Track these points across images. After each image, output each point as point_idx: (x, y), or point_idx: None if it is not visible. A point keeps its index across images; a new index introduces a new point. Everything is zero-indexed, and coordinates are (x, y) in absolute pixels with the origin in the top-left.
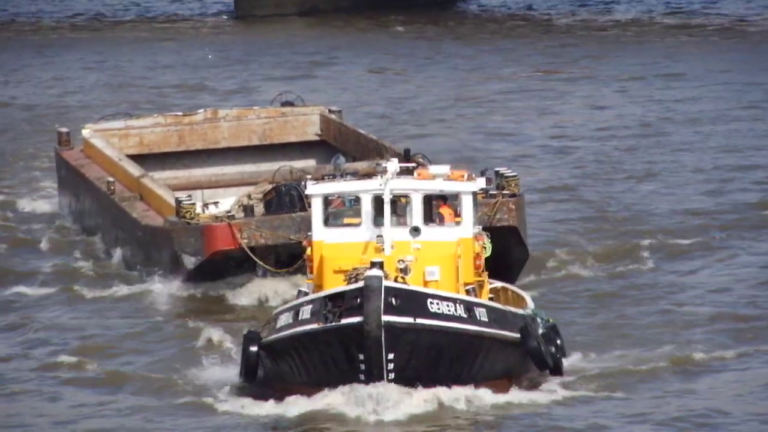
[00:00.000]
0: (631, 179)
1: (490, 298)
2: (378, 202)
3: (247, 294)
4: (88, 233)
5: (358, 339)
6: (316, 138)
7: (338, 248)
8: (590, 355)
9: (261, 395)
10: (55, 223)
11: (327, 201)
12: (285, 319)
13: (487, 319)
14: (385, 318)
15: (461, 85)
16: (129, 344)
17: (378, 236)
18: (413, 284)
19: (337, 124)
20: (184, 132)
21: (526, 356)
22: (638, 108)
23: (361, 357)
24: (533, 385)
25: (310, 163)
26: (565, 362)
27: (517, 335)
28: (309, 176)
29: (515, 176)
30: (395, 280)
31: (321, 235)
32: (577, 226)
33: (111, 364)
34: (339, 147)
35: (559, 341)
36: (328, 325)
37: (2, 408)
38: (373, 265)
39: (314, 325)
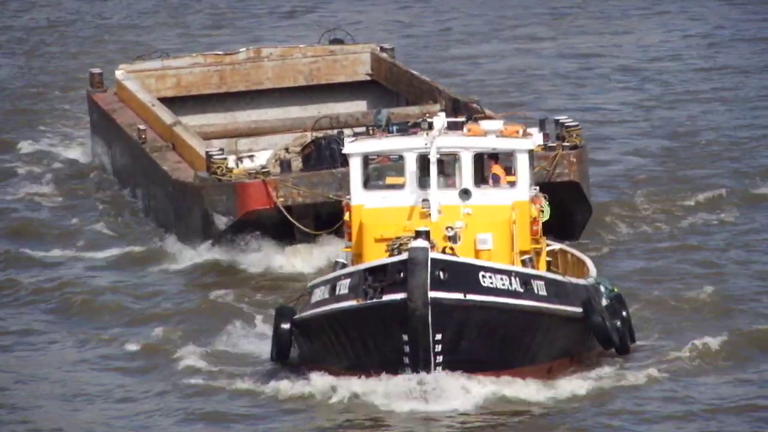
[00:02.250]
0: (704, 126)
1: (548, 263)
2: (423, 161)
3: (282, 259)
4: (119, 184)
5: (402, 318)
6: (367, 78)
7: (379, 214)
8: (660, 329)
9: (294, 378)
10: (86, 173)
11: (367, 160)
12: (320, 293)
13: (545, 293)
14: (431, 294)
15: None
16: (151, 315)
17: (424, 200)
18: (463, 254)
19: (389, 64)
20: (225, 72)
21: (589, 333)
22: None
23: (406, 338)
24: (597, 366)
25: (360, 105)
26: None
27: (579, 310)
28: (348, 131)
29: (577, 126)
30: (443, 251)
31: (360, 198)
32: (645, 179)
33: (130, 337)
34: (391, 88)
35: (624, 314)
36: (369, 302)
37: (16, 375)
38: (418, 234)
39: (353, 302)
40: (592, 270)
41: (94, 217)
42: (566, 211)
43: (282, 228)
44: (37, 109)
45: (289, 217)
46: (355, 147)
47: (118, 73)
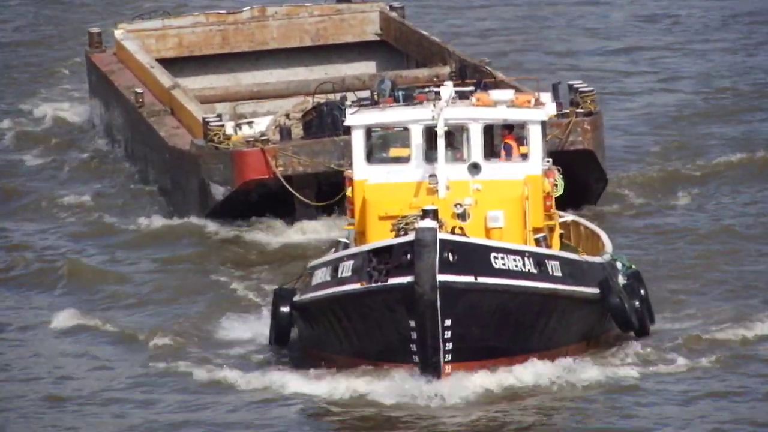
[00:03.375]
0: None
1: (560, 236)
2: (430, 133)
3: (282, 231)
4: (116, 149)
5: (409, 302)
6: (376, 38)
7: (384, 190)
8: (681, 308)
9: (293, 365)
10: (83, 136)
11: (370, 132)
12: (322, 275)
13: (561, 274)
14: (440, 278)
15: None
16: (142, 294)
17: (431, 176)
18: (473, 232)
19: (398, 24)
20: (228, 32)
21: (607, 315)
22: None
23: (413, 324)
24: (614, 350)
25: (368, 66)
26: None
27: (597, 291)
28: (352, 96)
29: (591, 91)
30: (452, 231)
31: (363, 173)
32: (664, 146)
33: (120, 319)
34: (400, 49)
35: (643, 292)
36: (373, 285)
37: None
38: (425, 213)
39: (356, 285)
40: (608, 245)
41: (87, 183)
42: (580, 180)
43: (282, 199)
44: (35, 68)
45: (289, 187)
46: (357, 119)
47: (117, 33)
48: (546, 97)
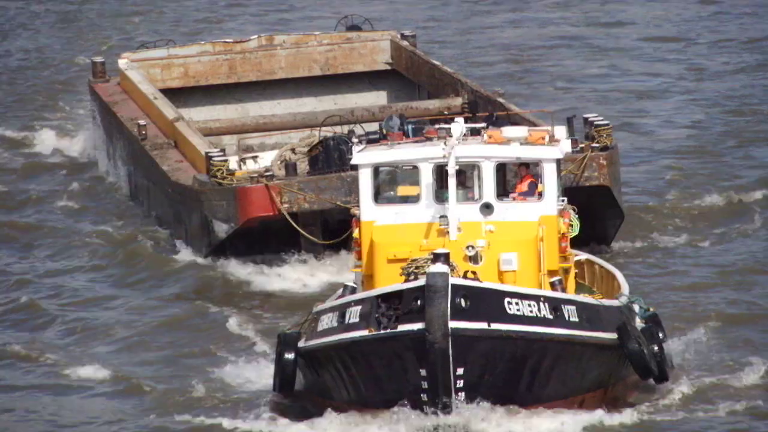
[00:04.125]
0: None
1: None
2: (440, 172)
3: (287, 271)
4: (120, 182)
5: (420, 351)
6: (387, 67)
7: (392, 231)
8: (699, 351)
9: (298, 413)
10: (86, 169)
11: (377, 171)
12: (328, 321)
13: (577, 319)
14: (452, 324)
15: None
16: (142, 335)
17: (441, 216)
18: (485, 275)
19: (409, 53)
20: (234, 61)
21: (625, 361)
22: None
23: (424, 373)
24: (633, 398)
25: (379, 96)
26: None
27: (614, 336)
28: (360, 129)
29: (607, 125)
30: (465, 276)
31: (371, 214)
32: (679, 180)
33: (120, 362)
34: (412, 79)
35: (662, 336)
36: (382, 332)
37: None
38: (436, 257)
39: (364, 332)
40: (624, 286)
41: (88, 217)
42: (596, 217)
43: (287, 237)
44: (39, 97)
45: (294, 224)
46: (364, 157)
47: (121, 62)
48: (561, 131)
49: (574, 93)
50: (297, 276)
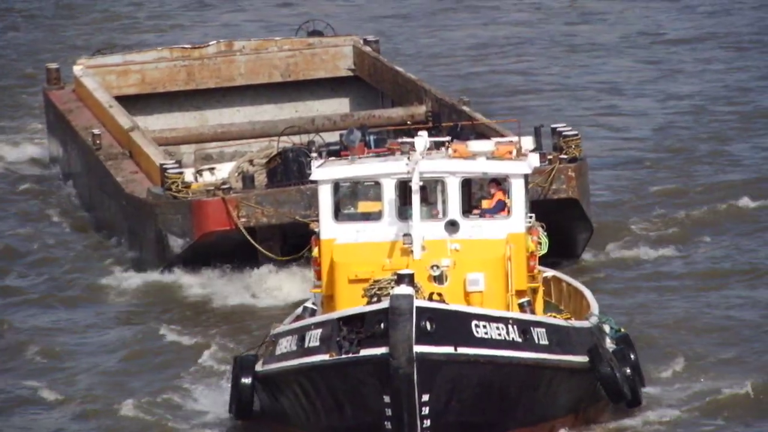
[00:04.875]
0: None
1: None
2: (403, 188)
3: (245, 289)
4: (74, 193)
5: (384, 376)
6: (349, 74)
7: (353, 250)
8: (673, 371)
9: None
10: (39, 178)
11: (337, 187)
12: (287, 344)
13: (547, 342)
14: (417, 349)
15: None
16: (91, 357)
17: (405, 235)
18: (451, 296)
19: (372, 59)
20: (193, 68)
21: (597, 384)
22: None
23: (387, 399)
24: (606, 424)
25: (341, 103)
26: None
27: (586, 359)
28: (320, 139)
29: (576, 136)
30: (430, 298)
31: (331, 232)
32: (647, 192)
33: (66, 385)
34: (375, 85)
35: (633, 357)
36: (343, 357)
37: None
38: (400, 278)
39: (325, 356)
40: (593, 305)
41: (39, 230)
42: (564, 230)
43: (244, 252)
44: None
45: (251, 240)
46: (324, 173)
47: (76, 69)
48: (528, 141)
49: (542, 95)
50: (255, 293)
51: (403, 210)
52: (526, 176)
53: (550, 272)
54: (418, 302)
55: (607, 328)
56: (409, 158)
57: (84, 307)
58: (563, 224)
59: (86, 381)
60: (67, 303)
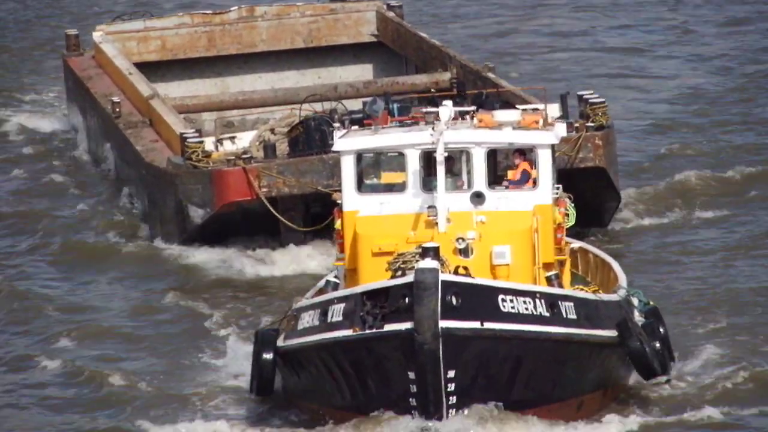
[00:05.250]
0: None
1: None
2: (428, 158)
3: (266, 260)
4: (94, 161)
5: (408, 352)
6: (372, 39)
7: (377, 223)
8: (704, 345)
9: (277, 419)
10: (60, 147)
11: (360, 158)
12: (309, 319)
13: (575, 316)
14: (443, 324)
15: None
16: (111, 330)
17: (429, 207)
18: (477, 270)
19: (396, 24)
20: (214, 34)
21: (626, 359)
22: None
23: (412, 376)
24: (635, 399)
25: (365, 69)
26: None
27: (615, 334)
28: (342, 107)
29: (603, 103)
30: (456, 271)
31: (354, 204)
32: (676, 158)
33: (86, 357)
34: (398, 51)
35: (662, 331)
36: (367, 332)
37: None
38: (425, 252)
39: (348, 332)
40: (621, 277)
41: (59, 199)
42: (591, 200)
43: (266, 222)
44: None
45: (273, 210)
46: (347, 143)
47: (96, 35)
48: (554, 109)
49: (568, 59)
50: (276, 265)
51: (428, 181)
52: (552, 146)
53: (576, 243)
54: (443, 276)
55: (635, 301)
56: (433, 128)
57: (102, 277)
58: (590, 194)
59: (101, 352)
60: (81, 272)
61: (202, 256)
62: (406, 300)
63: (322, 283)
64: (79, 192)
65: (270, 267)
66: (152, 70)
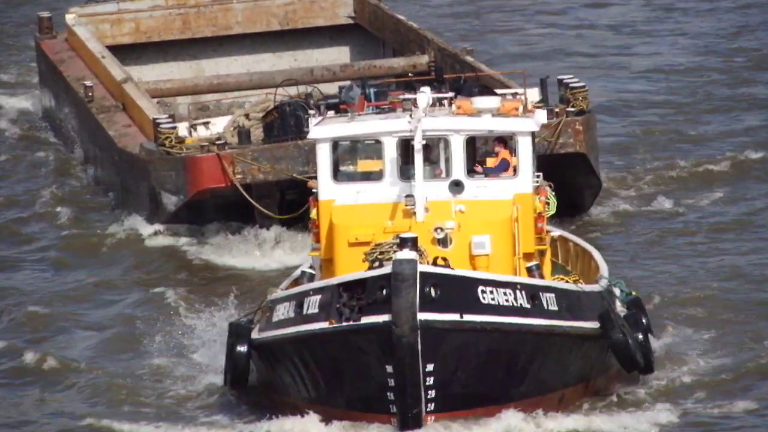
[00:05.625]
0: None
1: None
2: (405, 146)
3: (241, 249)
4: (66, 146)
5: (386, 345)
6: (350, 21)
7: (353, 212)
8: (687, 337)
9: (251, 413)
10: (31, 131)
11: (336, 146)
12: (284, 310)
13: (557, 308)
14: (421, 316)
15: None
16: (79, 317)
17: (407, 196)
18: (455, 260)
19: (373, 6)
20: (189, 16)
21: (608, 351)
22: None
23: (390, 370)
24: (618, 393)
25: (342, 52)
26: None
27: (597, 325)
28: (315, 98)
29: (583, 87)
30: (434, 262)
31: (330, 193)
32: (657, 141)
33: (55, 349)
34: (376, 34)
35: (645, 321)
36: (344, 324)
37: None
38: (403, 242)
39: (324, 324)
40: (602, 266)
41: (29, 186)
42: (572, 186)
43: (240, 210)
44: None
45: (248, 197)
46: (322, 131)
47: (69, 18)
48: (534, 93)
49: (547, 39)
50: (251, 254)
51: (405, 169)
52: (533, 134)
53: (556, 232)
54: (421, 267)
55: (617, 291)
56: (411, 116)
57: (73, 267)
58: (570, 180)
59: (70, 344)
60: (56, 262)
61: (175, 244)
62: (384, 292)
63: (297, 273)
64: (50, 177)
65: (244, 255)
66: (126, 53)
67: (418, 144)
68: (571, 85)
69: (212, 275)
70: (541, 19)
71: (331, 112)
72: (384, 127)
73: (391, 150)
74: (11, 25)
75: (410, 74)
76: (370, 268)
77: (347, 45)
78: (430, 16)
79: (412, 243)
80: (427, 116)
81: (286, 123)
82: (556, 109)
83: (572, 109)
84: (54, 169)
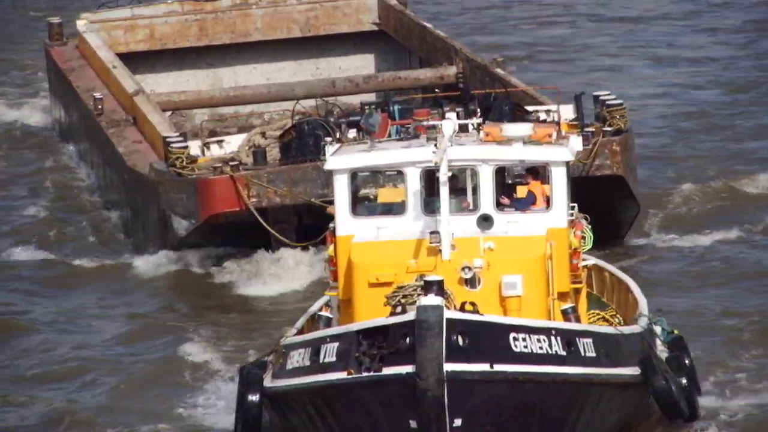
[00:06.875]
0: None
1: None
2: (430, 177)
3: (256, 277)
4: (75, 160)
5: (410, 398)
6: (374, 28)
7: (374, 250)
8: (734, 380)
9: None
10: (41, 142)
11: (355, 176)
12: (299, 357)
13: (595, 354)
14: (448, 367)
15: None
16: (82, 357)
17: (432, 232)
18: (485, 302)
19: (398, 13)
20: (206, 22)
21: (649, 397)
22: None
23: (414, 425)
24: None
25: (366, 60)
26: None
27: (637, 371)
28: (336, 118)
29: (621, 105)
30: (462, 308)
31: (348, 228)
32: (700, 162)
33: (55, 391)
34: (401, 42)
35: (689, 363)
36: (364, 375)
37: None
38: (428, 286)
39: (342, 374)
40: (642, 302)
41: (36, 203)
42: (608, 211)
43: (255, 235)
44: None
45: (263, 222)
46: (339, 162)
47: (80, 24)
48: (568, 110)
49: (581, 52)
50: (266, 282)
51: (430, 201)
52: (567, 163)
53: (590, 260)
54: (448, 314)
55: (658, 330)
56: (436, 145)
57: (76, 293)
58: (607, 204)
59: (70, 385)
60: (55, 291)
61: (186, 272)
62: (407, 340)
63: (314, 307)
64: (56, 194)
65: (259, 283)
66: (140, 60)
67: (443, 176)
68: (608, 102)
69: (225, 304)
70: (577, 33)
71: (352, 131)
72: (406, 157)
73: (414, 182)
74: (21, 30)
75: (437, 89)
76: (393, 313)
77: (372, 53)
78: (458, 26)
79: (438, 287)
80: (453, 144)
81: (304, 143)
82: (592, 129)
83: (609, 129)
84: (60, 185)
